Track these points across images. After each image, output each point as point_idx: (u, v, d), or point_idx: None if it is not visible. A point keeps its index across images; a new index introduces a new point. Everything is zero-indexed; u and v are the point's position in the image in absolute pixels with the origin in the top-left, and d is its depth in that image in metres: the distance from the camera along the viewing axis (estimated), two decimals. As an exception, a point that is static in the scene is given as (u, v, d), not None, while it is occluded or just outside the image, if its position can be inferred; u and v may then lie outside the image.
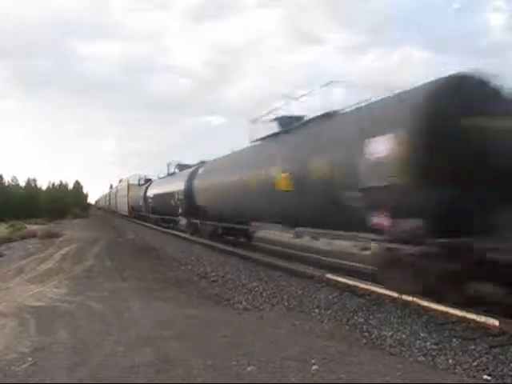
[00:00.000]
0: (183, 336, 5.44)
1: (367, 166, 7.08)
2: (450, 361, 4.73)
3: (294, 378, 3.99)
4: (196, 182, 18.13)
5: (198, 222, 18.45)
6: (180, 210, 20.50)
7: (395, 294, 7.12)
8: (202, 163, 19.69)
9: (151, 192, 28.40)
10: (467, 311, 5.94)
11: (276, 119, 11.99)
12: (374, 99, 8.18)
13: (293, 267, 10.28)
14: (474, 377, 4.35)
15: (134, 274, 10.61)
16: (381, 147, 6.84)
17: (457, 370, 4.51)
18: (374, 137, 7.03)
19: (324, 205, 8.61)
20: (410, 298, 6.81)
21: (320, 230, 10.32)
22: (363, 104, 8.44)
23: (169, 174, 26.10)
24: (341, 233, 9.25)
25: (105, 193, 77.39)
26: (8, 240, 23.45)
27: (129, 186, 40.86)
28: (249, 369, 4.24)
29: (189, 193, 18.66)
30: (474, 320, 5.77)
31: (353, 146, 7.53)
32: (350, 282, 8.26)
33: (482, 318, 5.70)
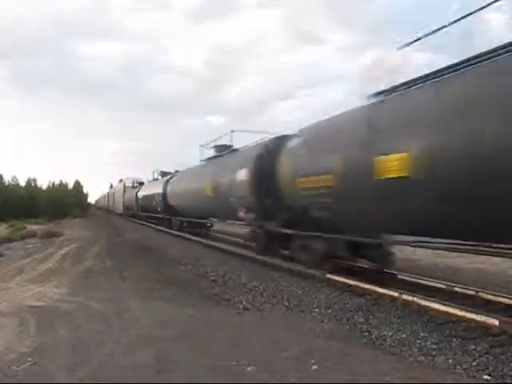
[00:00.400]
0: (183, 336, 5.45)
1: (236, 184, 13.09)
2: (450, 361, 4.73)
3: (294, 378, 4.00)
4: (169, 187, 23.64)
5: (170, 217, 24.28)
6: (159, 209, 26.16)
7: (395, 294, 7.13)
8: (176, 172, 26.01)
9: (141, 193, 33.28)
10: (467, 311, 5.95)
11: (215, 146, 17.61)
12: (245, 147, 14.81)
13: (293, 267, 10.28)
14: (474, 377, 4.35)
15: (134, 274, 10.62)
16: (241, 175, 12.82)
17: (457, 370, 4.51)
18: (240, 169, 12.98)
19: (224, 205, 14.29)
20: (410, 298, 6.83)
21: (227, 221, 17.22)
22: (242, 148, 15.18)
23: (153, 180, 32.78)
24: (231, 221, 16.18)
25: (104, 193, 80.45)
26: (8, 240, 23.45)
27: (125, 187, 45.42)
28: (249, 369, 4.24)
29: (164, 195, 24.24)
30: (473, 320, 5.77)
31: (233, 172, 13.47)
32: (351, 282, 8.27)
33: (482, 318, 5.71)
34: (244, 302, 7.74)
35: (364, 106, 8.05)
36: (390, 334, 5.67)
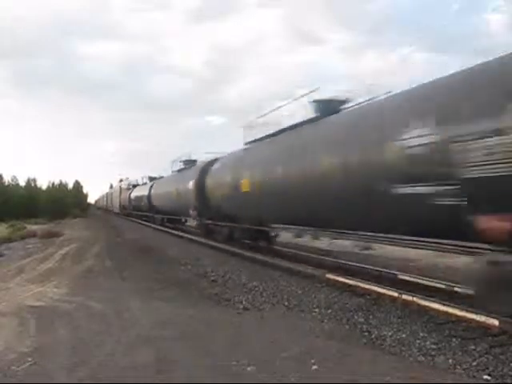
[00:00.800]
0: (183, 336, 5.45)
1: (189, 192, 18.29)
2: (450, 361, 4.73)
3: (294, 378, 4.00)
4: (152, 190, 30.10)
5: (153, 215, 30.22)
6: (145, 208, 32.32)
7: (395, 294, 7.13)
8: (159, 178, 32.48)
9: (133, 195, 39.56)
10: (467, 311, 5.94)
11: (183, 161, 23.31)
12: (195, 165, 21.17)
13: (293, 267, 10.28)
14: (474, 377, 4.35)
15: (134, 274, 10.62)
16: (191, 185, 17.90)
17: (457, 370, 4.51)
18: (191, 180, 18.06)
19: (183, 206, 19.87)
20: (410, 298, 6.83)
21: (185, 217, 24.71)
22: (198, 164, 20.35)
23: (143, 184, 39.66)
24: (187, 217, 23.84)
25: (104, 193, 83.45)
26: (8, 240, 23.44)
27: (121, 189, 51.51)
28: (249, 369, 4.24)
29: (149, 197, 30.42)
30: (473, 320, 5.77)
31: (187, 182, 18.68)
32: (350, 282, 8.27)
33: (481, 318, 5.70)
34: (244, 302, 7.74)
35: (241, 150, 14.79)
36: (389, 334, 5.66)
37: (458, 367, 4.57)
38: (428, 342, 5.27)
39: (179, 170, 23.59)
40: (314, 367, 4.25)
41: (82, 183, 79.53)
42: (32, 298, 8.16)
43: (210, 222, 16.79)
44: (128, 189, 45.07)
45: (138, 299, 7.75)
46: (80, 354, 4.82)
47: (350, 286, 8.19)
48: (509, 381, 4.24)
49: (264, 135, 12.86)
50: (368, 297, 7.51)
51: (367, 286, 7.84)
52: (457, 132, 5.56)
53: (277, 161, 10.88)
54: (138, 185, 42.05)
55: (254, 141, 13.54)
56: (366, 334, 5.78)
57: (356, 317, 6.48)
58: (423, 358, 4.86)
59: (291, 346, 4.95)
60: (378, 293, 7.49)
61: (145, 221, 32.84)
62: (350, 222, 8.51)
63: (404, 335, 5.57)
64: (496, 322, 5.51)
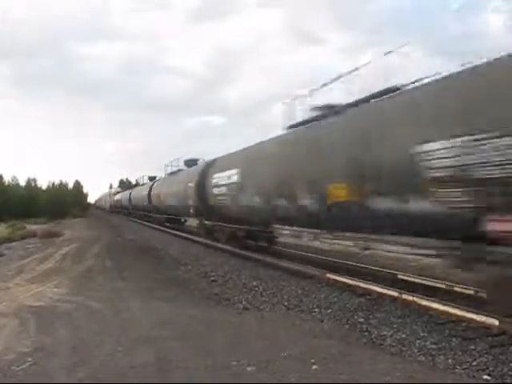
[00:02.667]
0: (183, 336, 5.45)
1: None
2: (450, 360, 4.73)
3: (294, 378, 4.00)
4: (132, 194, 39.23)
5: (129, 211, 41.47)
6: (126, 206, 43.57)
7: (395, 294, 7.13)
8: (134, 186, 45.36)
9: (117, 197, 54.29)
10: (467, 311, 5.95)
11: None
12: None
13: (293, 267, 10.28)
14: (474, 377, 4.35)
15: (134, 274, 10.62)
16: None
17: (457, 370, 4.51)
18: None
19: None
20: (410, 298, 6.83)
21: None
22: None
23: (129, 188, 50.43)
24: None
25: (103, 194, 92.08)
26: (8, 240, 23.45)
27: (110, 193, 67.82)
28: (249, 369, 4.24)
29: (130, 199, 39.67)
30: (473, 320, 5.77)
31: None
32: (351, 282, 8.27)
33: (481, 318, 5.70)
34: (244, 302, 7.75)
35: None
36: (389, 333, 5.67)
37: (458, 367, 4.57)
38: (428, 342, 5.27)
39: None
40: (314, 367, 4.25)
41: (82, 183, 79.81)
42: (32, 297, 8.16)
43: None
44: (115, 194, 61.12)
45: (138, 299, 7.75)
46: (80, 354, 4.82)
47: (350, 285, 8.19)
48: (509, 381, 4.24)
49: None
50: (368, 297, 7.51)
51: (367, 286, 7.84)
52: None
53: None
54: (120, 191, 57.23)
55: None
56: (366, 333, 5.78)
57: (356, 317, 6.48)
58: (423, 358, 4.86)
59: (291, 345, 4.95)
60: (378, 293, 7.49)
61: (124, 214, 46.46)
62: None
63: (404, 335, 5.57)
64: (496, 322, 5.52)
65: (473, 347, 5.06)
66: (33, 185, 63.05)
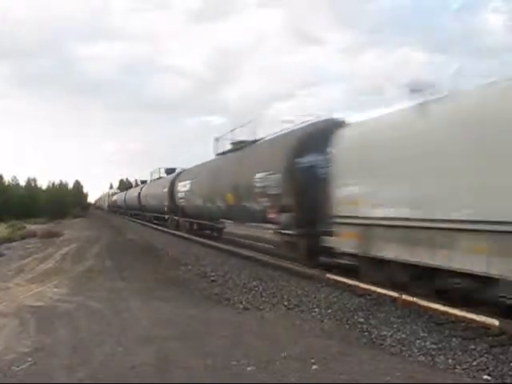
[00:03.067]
0: (183, 336, 5.45)
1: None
2: (450, 360, 4.73)
3: (294, 378, 4.00)
4: (126, 196, 44.72)
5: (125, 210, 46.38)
6: (121, 206, 49.28)
7: (395, 294, 7.13)
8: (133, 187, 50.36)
9: (114, 198, 61.55)
10: (467, 311, 5.95)
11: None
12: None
13: (292, 267, 10.28)
14: (474, 377, 4.35)
15: (134, 274, 10.62)
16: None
17: (457, 370, 4.51)
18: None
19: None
20: (410, 298, 6.83)
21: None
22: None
23: (125, 189, 56.16)
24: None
25: (102, 195, 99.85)
26: (8, 240, 23.45)
27: (108, 194, 77.49)
28: (249, 369, 4.24)
29: (124, 200, 45.38)
30: (473, 320, 5.77)
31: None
32: (350, 282, 8.27)
33: (481, 318, 5.70)
34: (244, 302, 7.74)
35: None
36: (389, 333, 5.66)
37: (458, 367, 4.57)
38: (428, 342, 5.27)
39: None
40: (314, 367, 4.25)
41: (82, 183, 79.97)
42: (32, 297, 8.16)
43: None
44: (112, 195, 68.52)
45: (138, 299, 7.75)
46: (80, 354, 4.82)
47: (350, 286, 8.19)
48: (509, 381, 4.24)
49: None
50: (368, 297, 7.50)
51: (367, 286, 7.83)
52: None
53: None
54: (117, 193, 64.79)
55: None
56: (366, 333, 5.78)
57: (356, 317, 6.48)
58: (423, 358, 4.86)
59: (291, 345, 4.95)
60: (378, 293, 7.49)
61: (120, 213, 51.24)
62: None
63: (404, 335, 5.57)
64: (496, 322, 5.52)
65: (473, 347, 5.06)
66: (33, 185, 63.12)
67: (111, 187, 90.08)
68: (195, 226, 20.20)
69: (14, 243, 22.27)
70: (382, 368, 4.26)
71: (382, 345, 5.37)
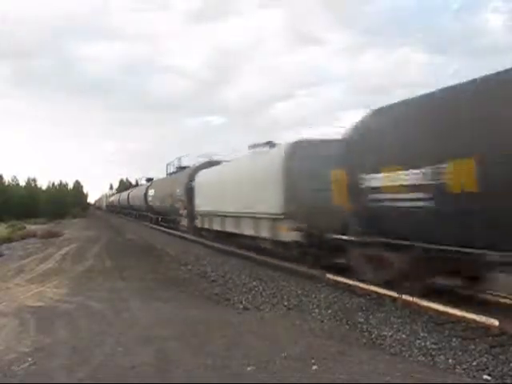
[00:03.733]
0: (183, 336, 5.45)
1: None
2: (450, 360, 4.73)
3: (294, 378, 3.99)
4: (120, 197, 54.98)
5: (119, 210, 55.84)
6: (116, 206, 57.69)
7: (395, 294, 7.13)
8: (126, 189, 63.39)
9: (110, 199, 71.05)
10: (467, 311, 5.95)
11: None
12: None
13: (293, 267, 10.29)
14: (474, 377, 4.35)
15: (134, 274, 10.62)
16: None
17: (457, 370, 4.51)
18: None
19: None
20: (410, 298, 6.83)
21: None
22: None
23: (117, 192, 70.10)
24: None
25: (101, 195, 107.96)
26: (8, 240, 23.45)
27: (106, 195, 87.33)
28: (249, 369, 4.24)
29: (118, 201, 55.43)
30: (473, 320, 5.77)
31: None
32: (351, 282, 8.27)
33: (482, 318, 5.70)
34: (244, 302, 7.74)
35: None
36: (389, 333, 5.66)
37: (458, 367, 4.57)
38: (428, 342, 5.27)
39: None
40: (314, 367, 4.24)
41: (82, 183, 79.97)
42: (32, 298, 8.16)
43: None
44: (110, 196, 78.48)
45: (137, 299, 7.75)
46: (80, 353, 4.82)
47: (350, 286, 8.19)
48: (509, 381, 4.24)
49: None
50: (368, 297, 7.50)
51: (367, 287, 7.83)
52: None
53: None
54: (113, 194, 75.22)
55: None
56: (366, 333, 5.78)
57: (356, 317, 6.48)
58: (423, 358, 4.86)
59: (291, 345, 4.94)
60: (378, 293, 7.49)
61: (116, 212, 59.31)
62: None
63: (404, 335, 5.57)
64: (496, 322, 5.52)
65: (473, 347, 5.06)
66: (33, 185, 63.09)
67: (111, 187, 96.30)
68: (160, 219, 29.78)
69: (14, 243, 22.28)
70: (381, 368, 4.25)
71: (382, 345, 5.36)
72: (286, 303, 7.50)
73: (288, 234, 10.34)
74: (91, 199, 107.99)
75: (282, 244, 10.96)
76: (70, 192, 70.80)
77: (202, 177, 18.67)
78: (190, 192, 19.66)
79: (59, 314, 6.80)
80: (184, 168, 24.59)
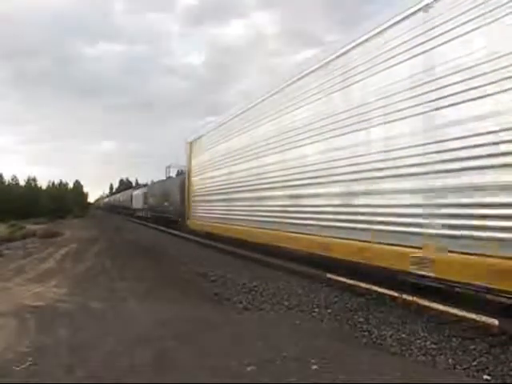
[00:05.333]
0: (183, 336, 5.44)
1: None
2: (450, 360, 4.73)
3: (294, 378, 3.99)
4: (112, 198, 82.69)
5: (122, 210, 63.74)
6: (112, 206, 74.25)
7: (395, 294, 7.13)
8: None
9: (107, 200, 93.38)
10: (467, 311, 5.95)
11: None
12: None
13: (293, 267, 10.29)
14: (474, 377, 4.35)
15: (134, 274, 10.61)
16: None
17: (457, 370, 4.51)
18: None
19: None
20: (410, 298, 6.83)
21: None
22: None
23: (115, 193, 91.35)
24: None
25: (99, 196, 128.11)
26: (8, 240, 23.41)
27: (103, 196, 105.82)
28: (249, 369, 4.23)
29: (112, 201, 78.56)
30: (473, 320, 5.77)
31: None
32: (351, 282, 8.27)
33: (481, 318, 5.70)
34: (244, 302, 7.74)
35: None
36: (389, 333, 5.66)
37: (458, 367, 4.57)
38: (428, 342, 5.27)
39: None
40: (314, 367, 4.24)
41: (82, 183, 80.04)
42: (32, 297, 8.15)
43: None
44: (105, 197, 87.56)
45: (138, 299, 7.75)
46: (80, 353, 4.81)
47: (350, 285, 8.19)
48: (509, 381, 4.24)
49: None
50: (368, 297, 7.51)
51: (367, 286, 7.84)
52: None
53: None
54: (108, 196, 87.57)
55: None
56: (366, 333, 5.78)
57: (356, 317, 6.48)
58: (423, 358, 4.86)
59: (291, 345, 4.94)
60: (379, 292, 7.49)
61: (111, 211, 69.47)
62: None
63: (404, 335, 5.57)
64: (496, 322, 5.52)
65: (473, 347, 5.06)
66: (33, 185, 63.04)
67: (111, 187, 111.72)
68: (141, 214, 37.71)
69: (14, 243, 22.24)
70: (381, 368, 4.25)
71: (382, 345, 5.36)
72: (286, 303, 7.50)
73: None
74: (91, 199, 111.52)
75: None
76: (70, 192, 70.80)
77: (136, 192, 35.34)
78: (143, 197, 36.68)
79: (59, 313, 6.79)
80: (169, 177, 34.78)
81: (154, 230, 27.86)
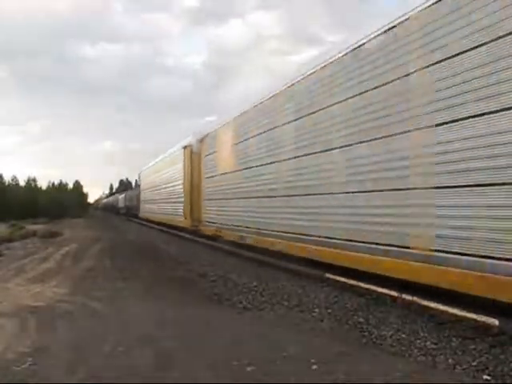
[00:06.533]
0: (183, 336, 5.45)
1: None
2: (450, 360, 4.73)
3: (294, 378, 3.99)
4: (106, 199, 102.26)
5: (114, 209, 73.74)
6: (110, 206, 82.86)
7: (395, 294, 7.13)
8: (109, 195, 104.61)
9: (104, 200, 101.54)
10: (467, 311, 5.95)
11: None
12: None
13: (293, 267, 10.29)
14: (474, 377, 4.35)
15: (134, 274, 10.62)
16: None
17: (457, 370, 4.51)
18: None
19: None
20: (410, 298, 6.83)
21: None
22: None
23: (110, 195, 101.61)
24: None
25: (99, 197, 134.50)
26: (8, 240, 23.40)
27: (101, 197, 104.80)
28: (249, 369, 4.24)
29: (108, 202, 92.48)
30: (473, 320, 5.77)
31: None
32: (351, 282, 8.27)
33: (481, 318, 5.70)
34: (244, 302, 7.74)
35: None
36: (389, 333, 5.67)
37: (458, 367, 4.56)
38: (428, 342, 5.27)
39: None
40: (314, 367, 4.24)
41: (82, 183, 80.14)
42: (32, 297, 8.15)
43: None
44: (104, 198, 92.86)
45: (138, 299, 7.76)
46: (80, 353, 4.82)
47: (350, 285, 8.19)
48: (509, 381, 4.23)
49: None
50: (368, 297, 7.51)
51: (367, 286, 7.84)
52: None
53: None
54: (107, 197, 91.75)
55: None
56: (366, 333, 5.78)
57: (356, 317, 6.48)
58: (423, 358, 4.86)
59: (291, 345, 4.94)
60: (379, 292, 7.49)
61: (108, 211, 77.48)
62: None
63: (404, 335, 5.57)
64: (496, 322, 5.52)
65: (473, 347, 5.06)
66: (33, 185, 63.05)
67: (111, 188, 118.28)
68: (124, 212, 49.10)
69: (14, 243, 22.24)
70: (381, 368, 4.26)
71: (382, 345, 5.37)
72: (286, 303, 7.50)
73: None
74: (91, 199, 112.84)
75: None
76: (70, 192, 70.84)
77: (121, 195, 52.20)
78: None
79: (59, 313, 6.80)
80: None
81: (153, 230, 27.86)
